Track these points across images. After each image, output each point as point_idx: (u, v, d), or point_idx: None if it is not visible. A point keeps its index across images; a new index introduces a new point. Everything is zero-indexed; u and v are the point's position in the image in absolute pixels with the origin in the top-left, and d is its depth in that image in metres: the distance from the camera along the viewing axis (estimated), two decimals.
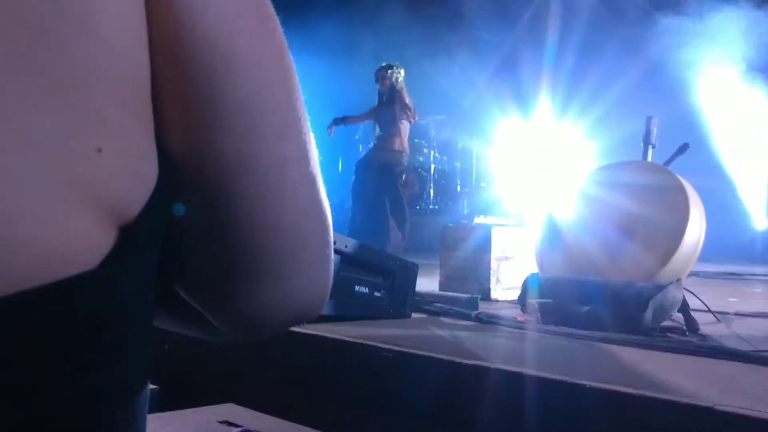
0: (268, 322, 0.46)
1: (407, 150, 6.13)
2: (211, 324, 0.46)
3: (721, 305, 2.88)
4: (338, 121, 6.40)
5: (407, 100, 5.90)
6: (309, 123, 0.44)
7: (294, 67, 0.43)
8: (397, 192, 6.00)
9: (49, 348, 0.32)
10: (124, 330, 0.36)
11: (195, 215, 0.41)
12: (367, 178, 6.03)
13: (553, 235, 3.14)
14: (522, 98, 7.64)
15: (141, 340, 0.38)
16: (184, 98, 0.38)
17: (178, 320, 0.48)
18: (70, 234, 0.32)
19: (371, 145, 6.35)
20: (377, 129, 6.08)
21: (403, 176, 6.11)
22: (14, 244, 0.30)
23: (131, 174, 0.35)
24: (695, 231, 2.75)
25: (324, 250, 0.46)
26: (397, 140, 5.94)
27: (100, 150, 0.33)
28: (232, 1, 0.39)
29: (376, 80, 6.00)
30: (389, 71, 5.90)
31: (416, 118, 6.11)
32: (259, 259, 0.42)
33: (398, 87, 5.88)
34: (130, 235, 0.35)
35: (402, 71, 5.95)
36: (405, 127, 5.99)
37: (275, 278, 0.43)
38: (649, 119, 3.22)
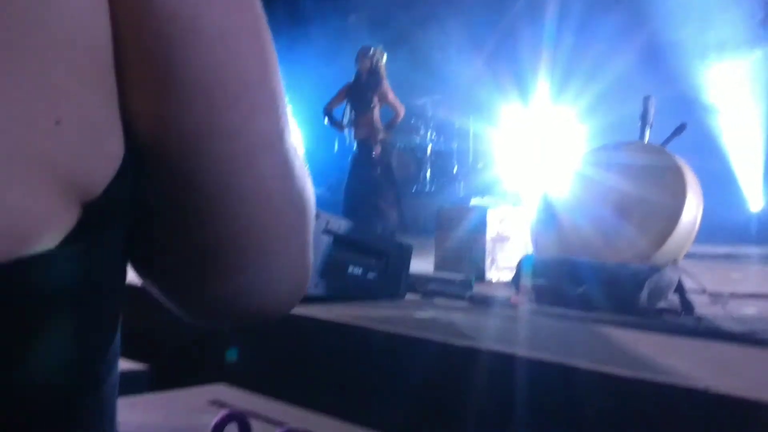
0: (226, 315, 0.43)
1: (382, 128, 5.99)
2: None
3: (716, 286, 2.87)
4: (328, 111, 6.21)
5: (391, 96, 5.79)
6: (287, 103, 0.41)
7: (271, 43, 0.39)
8: (378, 174, 5.89)
9: (8, 327, 0.30)
10: (87, 310, 0.34)
11: (159, 198, 0.38)
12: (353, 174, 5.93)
13: (549, 216, 3.13)
14: (519, 78, 7.60)
15: (107, 321, 0.36)
16: (144, 72, 0.35)
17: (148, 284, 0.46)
18: (29, 211, 0.30)
19: (348, 135, 6.16)
20: (351, 113, 5.95)
21: (382, 156, 5.96)
22: None
23: (93, 148, 0.33)
24: (692, 212, 2.74)
25: (300, 251, 0.42)
26: (373, 123, 5.85)
27: (58, 122, 0.31)
28: None
29: (356, 60, 5.90)
30: (370, 51, 5.81)
31: (403, 112, 6.00)
32: (221, 252, 0.39)
33: (381, 73, 5.77)
34: (94, 213, 0.33)
35: (384, 55, 5.84)
36: (378, 111, 5.90)
37: (238, 273, 0.40)
38: (646, 99, 3.19)
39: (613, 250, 2.71)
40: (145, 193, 0.38)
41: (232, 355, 1.62)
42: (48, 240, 0.31)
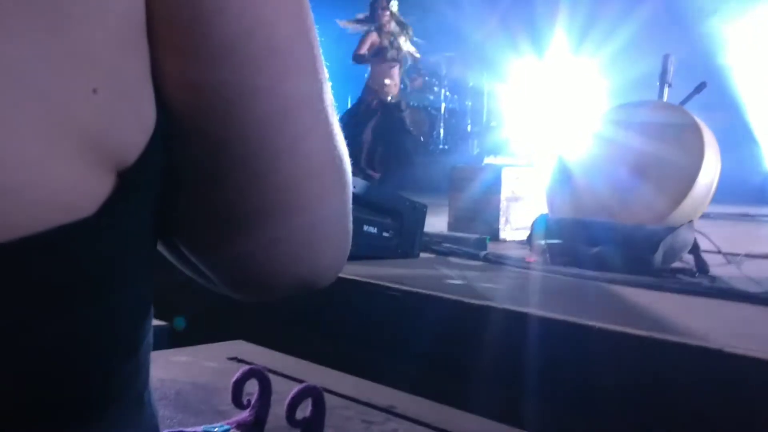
0: (268, 286, 0.43)
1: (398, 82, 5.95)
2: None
3: (731, 247, 2.86)
4: (361, 60, 6.14)
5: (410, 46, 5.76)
6: (324, 65, 0.40)
7: (307, 2, 0.39)
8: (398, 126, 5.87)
9: (48, 295, 0.31)
10: (122, 278, 0.34)
11: (191, 164, 0.38)
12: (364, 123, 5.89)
13: (564, 176, 3.11)
14: (535, 34, 7.45)
15: (140, 288, 0.36)
16: (175, 36, 0.35)
17: (180, 265, 0.46)
18: (67, 180, 0.30)
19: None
20: (372, 63, 5.91)
21: (399, 108, 5.92)
22: (9, 191, 0.29)
23: (129, 116, 0.33)
24: (709, 173, 2.71)
25: (337, 215, 0.42)
26: (393, 76, 5.82)
27: (95, 91, 0.31)
28: None
29: (374, 12, 5.86)
30: (386, 2, 5.78)
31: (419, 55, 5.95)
32: (260, 218, 0.39)
33: (398, 20, 5.73)
34: (128, 181, 0.33)
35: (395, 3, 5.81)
36: (399, 67, 5.86)
37: (275, 243, 0.40)
38: (665, 57, 3.14)
39: (630, 210, 2.70)
40: (177, 158, 0.38)
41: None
42: (85, 208, 0.31)
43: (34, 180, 0.29)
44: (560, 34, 7.27)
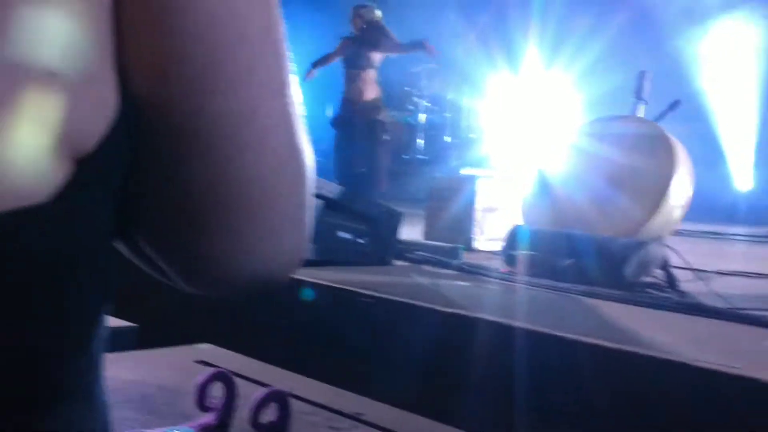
0: (226, 282, 0.42)
1: (380, 90, 5.82)
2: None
3: (701, 263, 2.90)
4: (317, 64, 6.07)
5: (392, 43, 5.63)
6: (291, 58, 0.40)
7: None
8: (374, 138, 5.75)
9: None
10: (76, 269, 0.33)
11: (156, 157, 0.37)
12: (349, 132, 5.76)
13: (542, 189, 3.13)
14: (511, 50, 7.53)
15: (96, 282, 0.35)
16: (139, 19, 0.34)
17: (137, 260, 0.45)
18: (20, 162, 0.29)
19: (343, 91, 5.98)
20: (346, 71, 5.79)
21: (379, 121, 5.80)
22: None
23: (87, 99, 0.32)
24: (682, 189, 2.75)
25: (297, 210, 0.41)
26: (368, 83, 5.67)
27: (53, 73, 0.30)
28: None
29: (351, 20, 5.78)
30: (362, 10, 5.69)
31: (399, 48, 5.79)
32: (222, 213, 0.39)
33: (379, 26, 5.59)
34: (87, 169, 0.32)
35: (377, 11, 5.70)
36: (375, 71, 5.72)
37: (236, 237, 0.39)
38: (641, 74, 3.18)
39: (606, 221, 2.72)
40: (141, 150, 0.37)
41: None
42: (39, 194, 0.30)
43: None
44: (534, 49, 7.36)
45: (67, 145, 0.31)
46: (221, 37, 0.36)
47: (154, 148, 0.37)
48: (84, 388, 0.36)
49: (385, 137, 5.81)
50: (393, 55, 5.72)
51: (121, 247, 0.43)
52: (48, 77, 0.30)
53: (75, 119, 0.31)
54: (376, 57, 5.64)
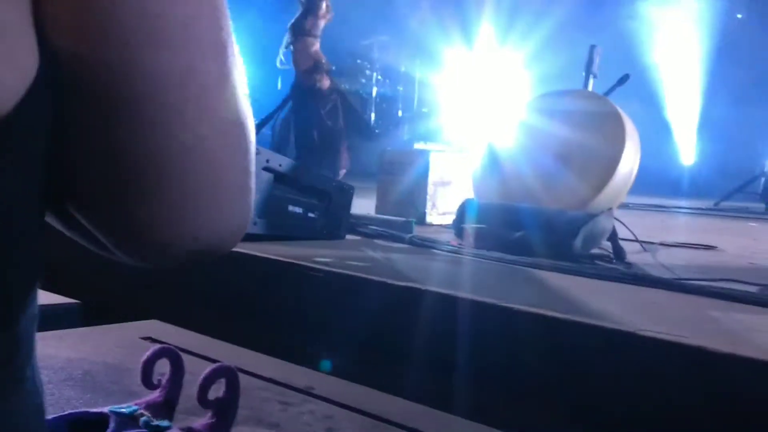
0: (167, 252, 0.40)
1: (326, 60, 5.70)
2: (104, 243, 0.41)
3: (647, 235, 2.97)
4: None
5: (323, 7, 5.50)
6: (229, 19, 0.37)
7: None
8: (328, 111, 5.64)
9: None
10: (3, 234, 0.31)
11: (85, 120, 0.35)
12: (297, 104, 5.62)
13: (492, 163, 3.15)
14: (465, 25, 7.53)
15: (21, 254, 0.33)
16: None
17: (70, 232, 0.42)
18: None
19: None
20: (289, 40, 5.65)
21: (332, 91, 5.67)
22: None
23: (3, 58, 0.29)
24: (629, 162, 2.79)
25: (241, 176, 0.40)
26: (312, 53, 5.55)
27: None
28: None
29: None
30: None
31: (330, 15, 5.67)
32: (161, 179, 0.37)
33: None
34: (8, 130, 0.30)
35: None
36: (317, 40, 5.58)
37: (173, 206, 0.38)
38: (592, 48, 3.21)
39: (554, 196, 2.75)
40: (67, 112, 0.34)
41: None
42: None
43: None
44: (488, 25, 7.38)
45: None
46: None
47: (81, 111, 0.34)
48: (11, 370, 0.34)
49: (329, 106, 5.64)
50: (323, 21, 5.56)
51: (53, 221, 0.40)
52: None
53: None
54: (312, 24, 5.51)
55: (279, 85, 8.27)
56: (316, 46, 5.54)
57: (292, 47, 5.57)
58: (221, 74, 0.37)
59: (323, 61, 5.55)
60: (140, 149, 0.36)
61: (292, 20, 5.57)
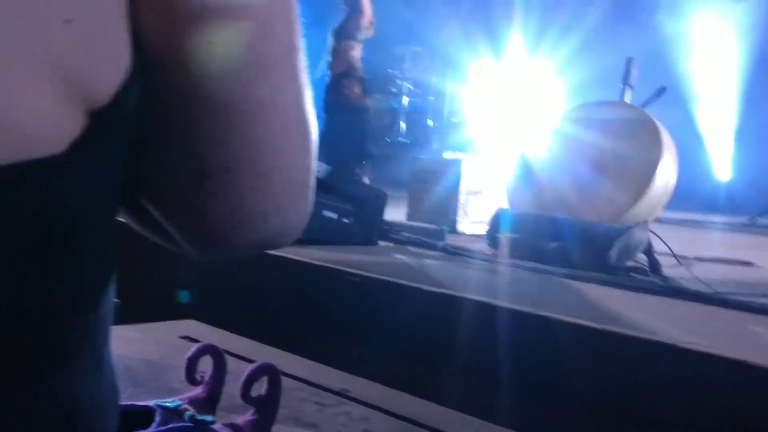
0: (232, 244, 0.42)
1: (361, 67, 5.65)
2: (172, 236, 0.42)
3: (681, 250, 2.93)
4: None
5: (368, 9, 5.46)
6: (300, 23, 0.39)
7: None
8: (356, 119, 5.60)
9: (7, 229, 0.29)
10: (88, 224, 0.33)
11: (168, 114, 0.37)
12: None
13: (526, 173, 3.14)
14: (494, 36, 7.52)
15: (105, 240, 0.35)
16: None
17: (140, 226, 0.44)
18: (36, 112, 0.28)
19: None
20: (331, 41, 5.63)
21: (360, 98, 5.60)
22: None
23: (102, 52, 0.31)
24: (666, 174, 2.77)
25: (305, 174, 0.41)
26: (350, 58, 5.50)
27: (68, 21, 0.29)
28: None
29: None
30: None
31: (372, 30, 5.64)
32: (232, 174, 0.38)
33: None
34: (100, 122, 0.31)
35: None
36: (359, 46, 5.55)
37: (243, 201, 0.39)
38: (629, 60, 3.19)
39: (590, 206, 2.73)
40: (153, 106, 0.36)
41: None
42: (53, 145, 0.29)
43: (4, 104, 0.27)
44: (518, 35, 7.35)
45: (81, 96, 0.30)
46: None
47: (168, 106, 0.36)
48: (92, 350, 0.36)
49: (357, 114, 5.59)
50: (367, 31, 5.53)
51: (123, 212, 0.42)
52: (64, 25, 0.29)
53: (89, 70, 0.30)
54: (354, 27, 5.50)
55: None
56: (356, 50, 5.50)
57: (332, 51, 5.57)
58: (293, 74, 0.38)
59: (357, 66, 5.53)
60: (215, 144, 0.37)
61: (335, 25, 5.56)
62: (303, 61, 0.39)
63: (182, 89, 0.36)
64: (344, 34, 5.47)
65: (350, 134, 5.53)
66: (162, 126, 0.37)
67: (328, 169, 2.44)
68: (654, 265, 2.47)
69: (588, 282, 2.14)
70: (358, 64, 5.53)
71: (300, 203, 0.42)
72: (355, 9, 5.45)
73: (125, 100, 0.33)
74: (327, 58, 5.61)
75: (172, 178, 0.39)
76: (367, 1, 5.45)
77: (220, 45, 0.35)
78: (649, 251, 2.51)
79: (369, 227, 2.60)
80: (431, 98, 8.64)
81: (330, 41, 5.58)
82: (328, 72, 5.59)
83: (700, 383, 1.32)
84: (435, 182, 3.44)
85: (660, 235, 2.75)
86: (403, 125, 8.53)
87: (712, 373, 1.30)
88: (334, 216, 2.48)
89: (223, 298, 2.13)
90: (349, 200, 2.55)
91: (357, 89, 5.56)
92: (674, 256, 2.76)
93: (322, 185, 2.41)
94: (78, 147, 0.30)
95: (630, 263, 2.50)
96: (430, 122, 8.64)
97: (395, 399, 1.23)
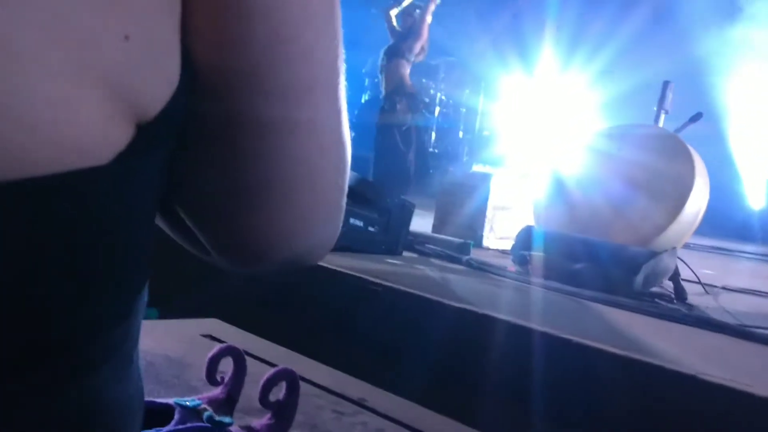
0: (264, 258, 0.42)
1: (411, 84, 5.78)
2: (204, 245, 0.43)
3: (709, 278, 2.89)
4: None
5: (425, 35, 5.60)
6: (342, 46, 0.40)
7: None
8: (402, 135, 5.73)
9: (52, 238, 0.30)
10: (128, 233, 0.34)
11: (211, 128, 0.38)
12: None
13: (557, 190, 3.12)
14: (526, 51, 7.50)
15: (142, 248, 0.36)
16: (211, 2, 0.34)
17: (173, 231, 0.45)
18: (89, 124, 0.29)
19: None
20: (383, 59, 5.76)
21: (406, 117, 5.78)
22: (32, 127, 0.28)
23: (155, 68, 0.32)
24: (698, 201, 2.73)
25: (338, 193, 0.43)
26: (401, 76, 5.64)
27: (127, 38, 0.30)
28: None
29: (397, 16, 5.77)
30: (416, 9, 5.70)
31: (423, 56, 5.80)
32: (270, 190, 0.39)
33: (418, 23, 5.58)
34: (147, 134, 0.32)
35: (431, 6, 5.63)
36: (407, 65, 5.69)
37: (277, 217, 0.40)
38: (665, 84, 3.17)
39: (626, 223, 2.70)
40: (197, 120, 0.37)
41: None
42: (101, 156, 0.30)
43: (57, 119, 0.28)
44: (549, 51, 7.32)
45: (132, 109, 0.31)
46: (287, 15, 0.36)
47: (212, 120, 0.37)
48: (124, 353, 0.37)
49: (405, 129, 5.74)
50: (420, 55, 5.68)
51: (159, 219, 0.43)
52: (122, 41, 0.30)
53: (142, 84, 0.31)
54: (407, 48, 5.62)
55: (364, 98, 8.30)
56: (407, 69, 5.66)
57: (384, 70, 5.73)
58: (333, 95, 0.39)
59: (408, 83, 5.65)
60: (255, 160, 0.38)
61: (387, 46, 5.71)
62: (343, 84, 0.40)
63: (226, 107, 0.37)
64: (397, 54, 5.60)
65: (399, 149, 5.66)
66: (202, 140, 0.38)
67: (357, 176, 2.46)
68: (680, 293, 2.44)
69: (612, 306, 2.12)
70: (409, 82, 5.67)
71: (331, 223, 0.43)
72: (412, 32, 5.59)
73: (171, 114, 0.33)
74: (378, 76, 5.78)
75: (208, 191, 0.40)
76: (426, 27, 5.57)
77: (265, 69, 0.36)
78: (675, 278, 2.48)
79: (394, 237, 2.61)
80: (463, 110, 8.64)
81: (382, 60, 5.73)
82: (382, 89, 5.75)
83: (719, 417, 1.30)
84: (463, 195, 3.44)
85: (688, 262, 2.72)
86: (432, 135, 8.53)
87: (732, 408, 1.28)
88: (360, 224, 2.49)
89: (246, 299, 2.15)
90: (376, 209, 2.56)
91: (407, 106, 5.70)
92: (701, 284, 2.73)
93: (350, 193, 2.42)
94: (124, 158, 0.31)
95: (655, 289, 2.47)
96: (461, 134, 8.63)
97: (412, 411, 1.23)
